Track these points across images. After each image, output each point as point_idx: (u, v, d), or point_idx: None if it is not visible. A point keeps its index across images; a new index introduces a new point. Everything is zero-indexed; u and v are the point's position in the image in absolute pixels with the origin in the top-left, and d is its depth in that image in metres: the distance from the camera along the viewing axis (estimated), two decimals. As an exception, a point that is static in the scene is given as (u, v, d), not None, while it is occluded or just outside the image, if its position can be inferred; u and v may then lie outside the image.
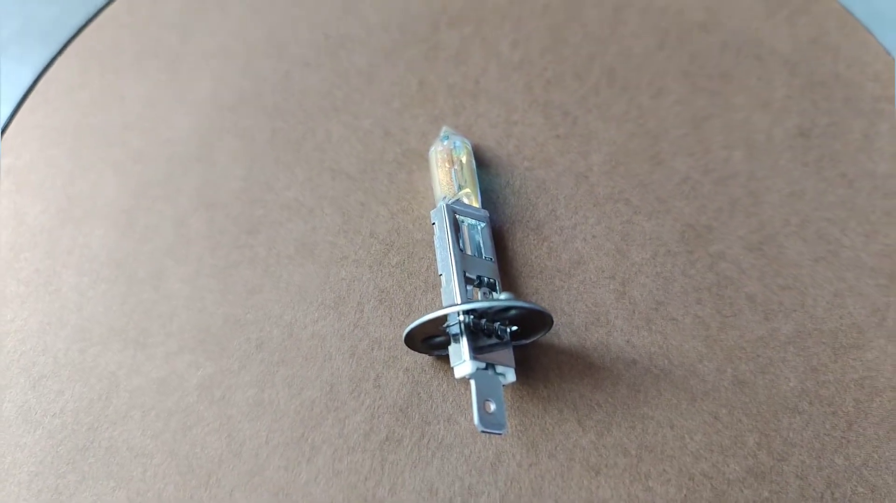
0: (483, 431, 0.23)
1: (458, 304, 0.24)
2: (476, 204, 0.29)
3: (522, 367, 0.28)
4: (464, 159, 0.30)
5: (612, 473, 0.26)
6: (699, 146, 0.31)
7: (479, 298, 0.27)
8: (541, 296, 0.29)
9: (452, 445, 0.27)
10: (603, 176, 0.31)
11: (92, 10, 0.34)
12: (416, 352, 0.27)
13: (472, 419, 0.27)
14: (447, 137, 0.31)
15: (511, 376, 0.25)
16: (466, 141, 0.31)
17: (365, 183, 0.32)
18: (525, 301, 0.26)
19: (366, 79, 0.35)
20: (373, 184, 0.32)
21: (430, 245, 0.30)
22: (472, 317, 0.25)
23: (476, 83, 0.34)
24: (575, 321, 0.28)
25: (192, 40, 0.35)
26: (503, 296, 0.27)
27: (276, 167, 0.33)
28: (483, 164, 0.32)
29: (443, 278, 0.26)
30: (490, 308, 0.24)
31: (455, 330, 0.25)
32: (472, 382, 0.24)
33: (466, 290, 0.26)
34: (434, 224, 0.28)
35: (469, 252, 0.28)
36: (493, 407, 0.24)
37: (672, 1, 0.35)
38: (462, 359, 0.24)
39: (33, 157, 0.33)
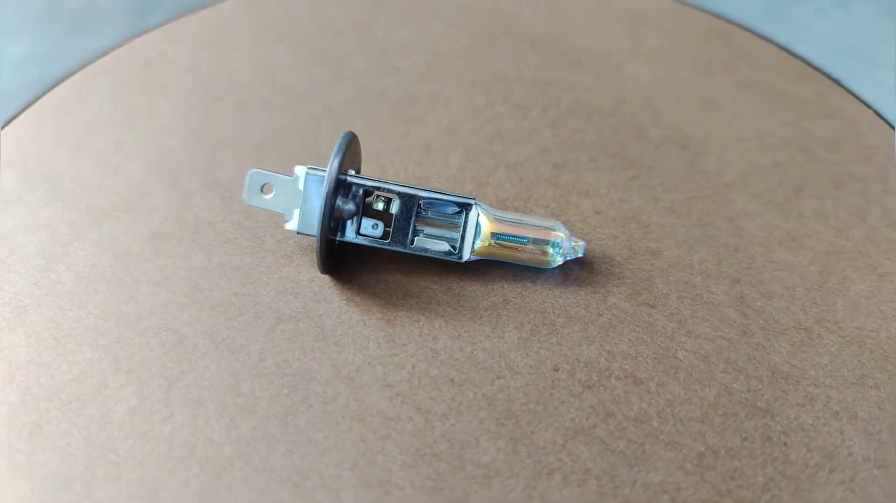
0: (246, 180, 0.23)
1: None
2: (487, 245, 0.26)
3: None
4: (551, 250, 0.27)
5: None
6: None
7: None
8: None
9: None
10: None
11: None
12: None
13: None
14: (577, 247, 0.28)
15: (290, 225, 0.24)
16: (560, 259, 0.27)
17: (535, 149, 0.29)
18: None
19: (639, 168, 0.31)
20: (539, 146, 0.29)
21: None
22: (360, 191, 0.23)
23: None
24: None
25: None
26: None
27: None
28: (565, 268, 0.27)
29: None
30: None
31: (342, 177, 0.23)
32: (297, 181, 0.23)
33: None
34: (472, 203, 0.25)
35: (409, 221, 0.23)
36: (270, 195, 0.24)
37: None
38: (305, 167, 0.24)
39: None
